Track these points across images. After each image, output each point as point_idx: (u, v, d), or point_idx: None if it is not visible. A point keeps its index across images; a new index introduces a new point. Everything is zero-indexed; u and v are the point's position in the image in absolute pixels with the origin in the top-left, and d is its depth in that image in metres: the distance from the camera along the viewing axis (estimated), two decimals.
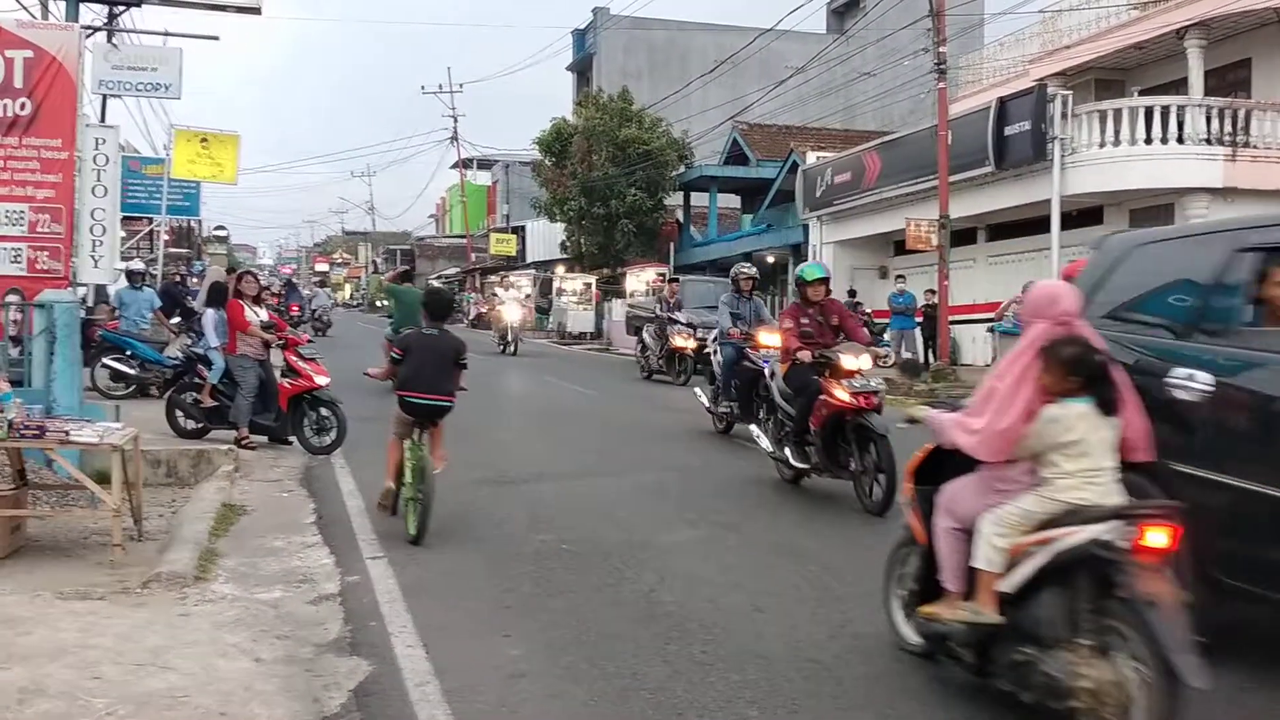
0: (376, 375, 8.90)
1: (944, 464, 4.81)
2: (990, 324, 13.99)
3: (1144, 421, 4.50)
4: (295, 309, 29.25)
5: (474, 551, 7.23)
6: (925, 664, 5.00)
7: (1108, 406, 4.29)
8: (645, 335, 22.03)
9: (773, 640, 5.40)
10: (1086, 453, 4.20)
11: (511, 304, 29.35)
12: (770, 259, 35.34)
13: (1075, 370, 4.27)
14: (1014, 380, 4.40)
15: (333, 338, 31.59)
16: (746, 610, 5.90)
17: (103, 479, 6.99)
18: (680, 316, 20.16)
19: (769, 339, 11.26)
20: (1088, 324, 4.67)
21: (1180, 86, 21.57)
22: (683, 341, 19.37)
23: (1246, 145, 19.33)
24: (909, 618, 5.04)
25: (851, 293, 26.13)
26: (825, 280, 9.62)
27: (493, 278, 50.91)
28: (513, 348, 27.66)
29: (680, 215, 41.07)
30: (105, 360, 14.37)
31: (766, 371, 10.61)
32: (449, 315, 9.21)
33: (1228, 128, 19.35)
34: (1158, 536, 3.90)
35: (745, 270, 12.85)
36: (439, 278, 64.64)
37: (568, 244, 42.54)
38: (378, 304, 60.97)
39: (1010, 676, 4.25)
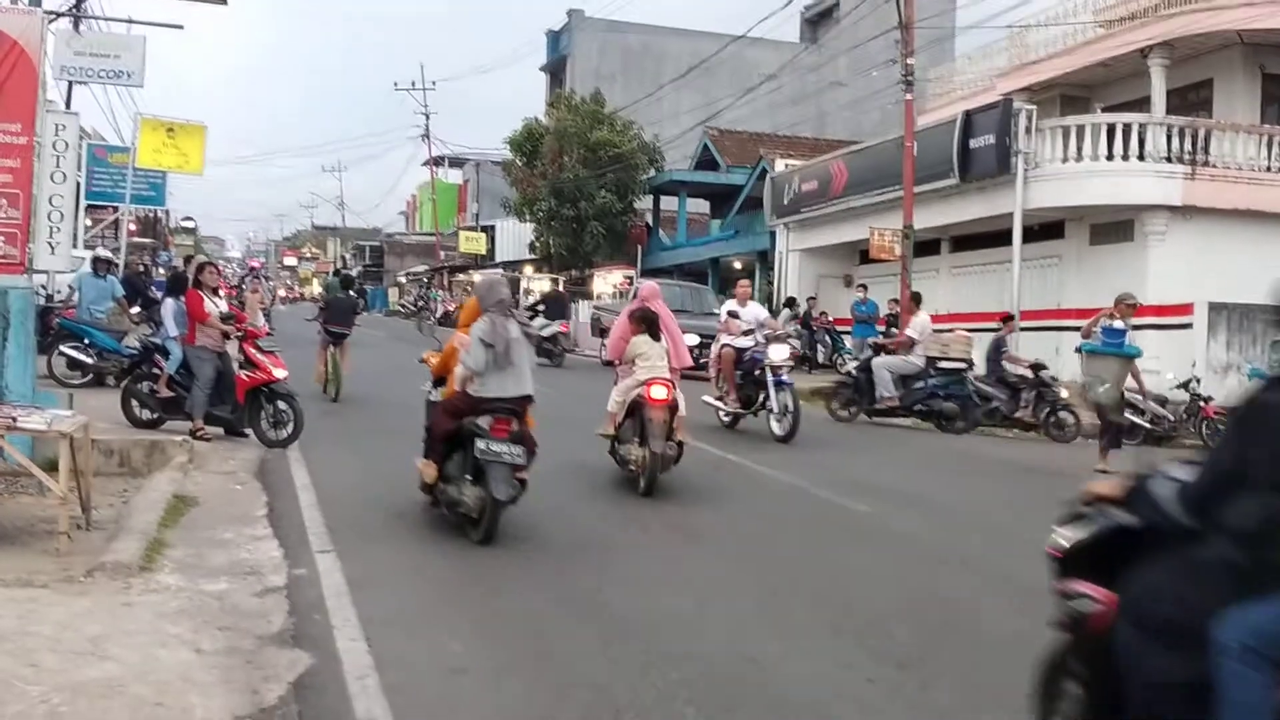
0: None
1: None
2: (1078, 347, 13.57)
3: (679, 346, 10.49)
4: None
5: (422, 548, 7.23)
6: (867, 670, 5.07)
7: (656, 337, 9.68)
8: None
9: (714, 640, 5.45)
10: (649, 357, 9.46)
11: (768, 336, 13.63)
12: (737, 265, 35.48)
13: (642, 322, 9.71)
14: (618, 325, 10.40)
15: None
16: (689, 610, 5.95)
17: (53, 467, 6.96)
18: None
19: None
20: (660, 300, 10.32)
21: (1144, 105, 21.85)
22: None
23: (1206, 164, 19.59)
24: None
25: (793, 299, 26.57)
26: None
27: (600, 274, 38.95)
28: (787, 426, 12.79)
29: (649, 219, 41.14)
30: (62, 348, 14.24)
31: None
32: (352, 286, 18.69)
33: (1188, 146, 19.61)
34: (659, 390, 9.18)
35: None
36: (408, 275, 64.55)
37: (537, 244, 42.51)
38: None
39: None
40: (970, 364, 15.67)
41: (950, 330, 18.32)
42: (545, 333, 23.80)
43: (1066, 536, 3.72)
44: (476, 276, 32.48)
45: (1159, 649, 3.12)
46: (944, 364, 15.25)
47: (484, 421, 7.31)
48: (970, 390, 15.28)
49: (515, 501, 7.38)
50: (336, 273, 31.76)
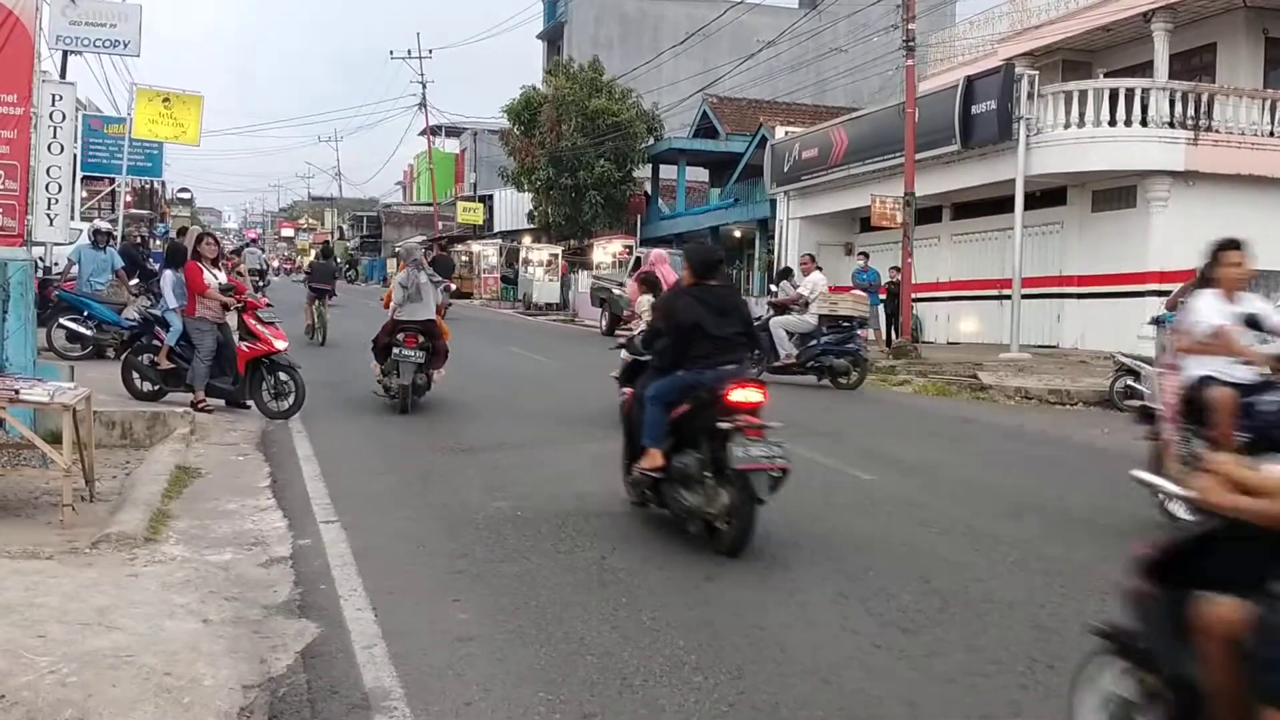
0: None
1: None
2: (1158, 317, 12.83)
3: None
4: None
5: (428, 517, 7.24)
6: (873, 636, 5.08)
7: (657, 295, 10.07)
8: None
9: (720, 607, 5.45)
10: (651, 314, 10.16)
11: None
12: (737, 234, 35.38)
13: (644, 284, 11.47)
14: (630, 289, 13.47)
15: None
16: (697, 579, 5.95)
17: (55, 439, 6.94)
18: None
19: None
20: (665, 265, 12.42)
21: (1146, 70, 21.74)
22: None
23: (1209, 129, 19.51)
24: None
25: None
26: None
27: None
28: None
29: (648, 188, 40.97)
30: (61, 320, 14.21)
31: None
32: (331, 255, 26.65)
33: (1191, 112, 19.52)
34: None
35: None
36: (400, 246, 64.43)
37: (535, 214, 42.34)
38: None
39: None
40: (862, 322, 16.81)
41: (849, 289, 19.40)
42: None
43: (617, 368, 8.30)
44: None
45: (639, 407, 6.98)
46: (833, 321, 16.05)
47: (400, 336, 11.69)
48: (858, 346, 15.99)
49: (422, 388, 12.05)
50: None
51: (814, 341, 15.63)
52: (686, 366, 6.77)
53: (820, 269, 16.78)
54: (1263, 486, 2.82)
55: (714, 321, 6.79)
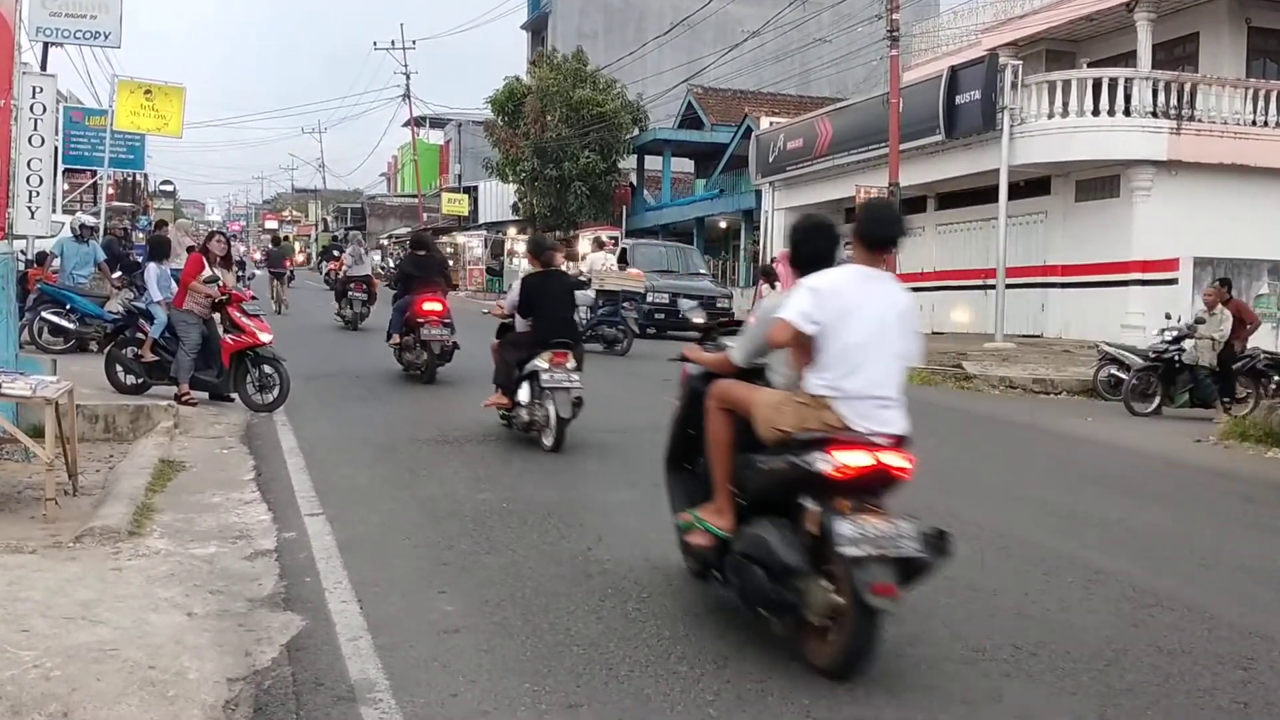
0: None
1: None
2: None
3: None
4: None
5: (413, 509, 7.23)
6: None
7: (772, 285, 13.89)
8: None
9: (705, 598, 5.46)
10: (766, 298, 10.66)
11: None
12: (722, 225, 35.39)
13: (766, 274, 17.00)
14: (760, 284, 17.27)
15: None
16: (681, 569, 5.95)
17: (38, 433, 6.91)
18: None
19: None
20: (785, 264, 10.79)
21: (1129, 59, 21.81)
22: None
23: (1192, 119, 19.60)
24: None
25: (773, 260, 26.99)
26: None
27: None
28: None
29: (634, 179, 40.92)
30: (44, 314, 14.13)
31: None
32: (281, 244, 32.07)
33: (1174, 101, 19.60)
34: None
35: None
36: (389, 237, 64.19)
37: (520, 205, 42.26)
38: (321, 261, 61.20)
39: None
40: (628, 296, 19.33)
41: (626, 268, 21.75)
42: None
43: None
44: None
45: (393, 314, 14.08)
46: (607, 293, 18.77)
47: (351, 285, 21.37)
48: (621, 319, 18.38)
49: (365, 315, 21.14)
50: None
51: (592, 314, 18.02)
52: (410, 295, 13.31)
53: (611, 252, 22.46)
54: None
55: (421, 274, 13.67)
